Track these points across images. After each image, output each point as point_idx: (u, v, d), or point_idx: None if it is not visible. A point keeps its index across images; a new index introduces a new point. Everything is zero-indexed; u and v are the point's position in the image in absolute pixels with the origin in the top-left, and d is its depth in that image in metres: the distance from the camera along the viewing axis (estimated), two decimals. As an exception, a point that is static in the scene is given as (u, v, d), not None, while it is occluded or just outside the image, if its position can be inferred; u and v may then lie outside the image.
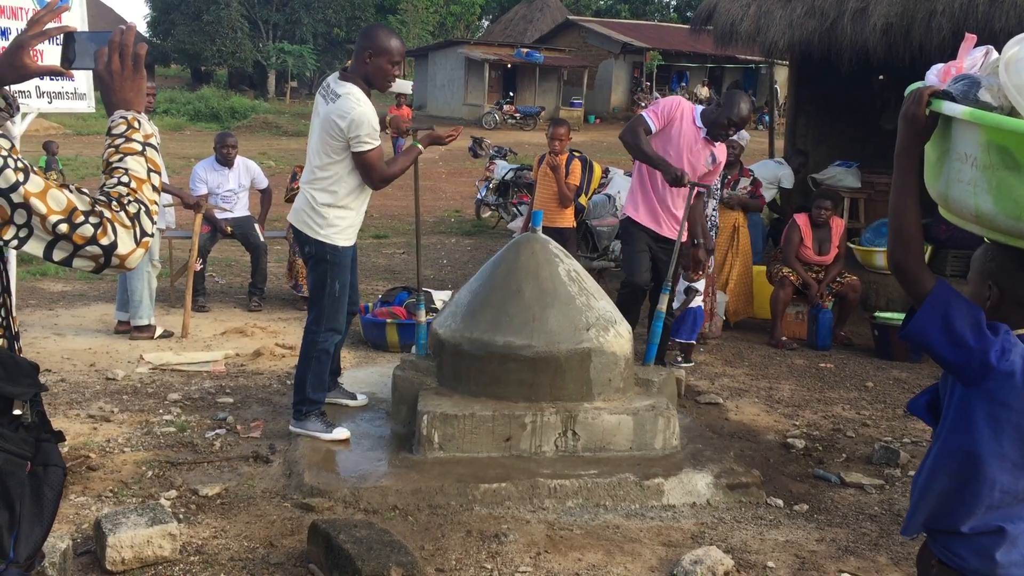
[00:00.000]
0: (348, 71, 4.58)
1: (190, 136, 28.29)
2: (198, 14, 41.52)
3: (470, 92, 35.78)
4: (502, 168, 13.18)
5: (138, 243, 1.85)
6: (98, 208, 1.80)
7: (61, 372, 5.71)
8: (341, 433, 4.60)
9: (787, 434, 5.28)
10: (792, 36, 8.41)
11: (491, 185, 13.26)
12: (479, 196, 13.65)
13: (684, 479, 4.27)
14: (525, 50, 35.31)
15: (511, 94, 35.50)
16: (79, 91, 4.60)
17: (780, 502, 4.28)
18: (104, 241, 1.79)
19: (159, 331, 6.73)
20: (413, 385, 4.74)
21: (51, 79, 4.30)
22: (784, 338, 7.34)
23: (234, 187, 7.97)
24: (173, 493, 3.98)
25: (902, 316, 7.02)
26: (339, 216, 4.54)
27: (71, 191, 1.80)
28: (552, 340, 4.52)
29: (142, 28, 46.54)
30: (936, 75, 1.94)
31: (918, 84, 1.92)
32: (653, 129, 5.54)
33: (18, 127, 4.21)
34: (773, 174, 9.16)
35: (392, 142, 13.25)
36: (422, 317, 4.99)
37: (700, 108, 5.63)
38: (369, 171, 4.47)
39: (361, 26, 47.47)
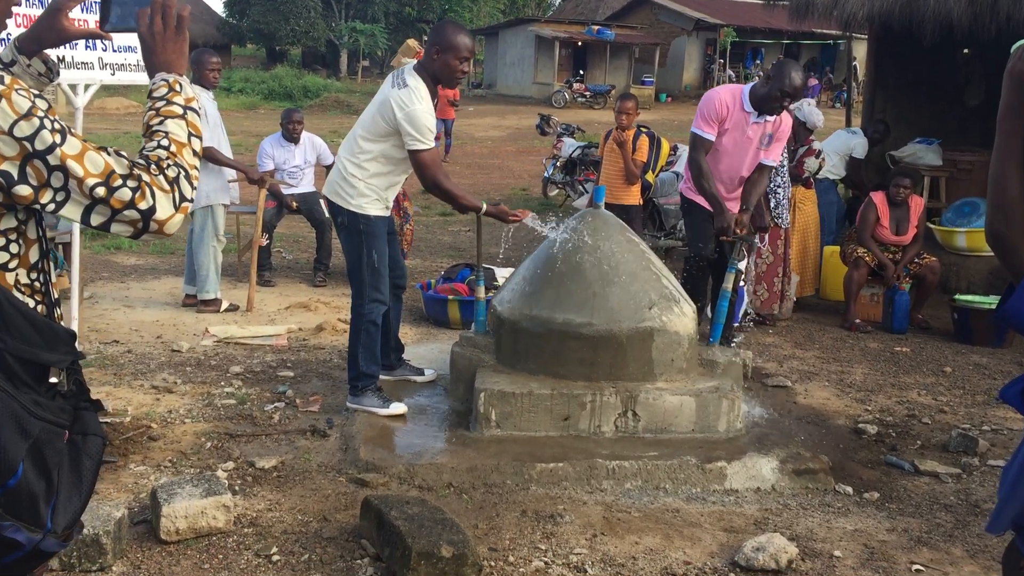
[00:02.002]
0: (422, 64, 4.53)
1: (264, 115, 28.66)
2: (273, -6, 41.96)
3: (540, 70, 35.54)
4: (569, 146, 13.02)
5: (177, 208, 1.80)
6: (136, 171, 1.76)
7: (128, 343, 5.79)
8: (398, 408, 4.58)
9: (858, 419, 5.09)
10: (872, 7, 8.08)
11: (558, 163, 13.11)
12: (546, 174, 13.52)
13: (748, 463, 4.13)
14: (596, 27, 34.92)
15: (581, 72, 35.16)
16: (144, 63, 4.60)
17: (849, 489, 4.12)
18: (142, 205, 1.75)
19: (225, 305, 6.79)
20: (471, 362, 4.68)
21: (114, 50, 4.31)
22: (858, 321, 7.10)
23: (300, 163, 7.99)
24: (230, 465, 3.99)
25: (984, 299, 6.73)
26: (369, 187, 4.52)
27: (109, 154, 1.76)
28: (613, 318, 4.41)
29: (219, 9, 47.26)
30: None
31: None
32: (712, 139, 5.38)
33: (80, 99, 4.23)
34: (845, 144, 8.73)
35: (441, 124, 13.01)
36: (481, 294, 4.92)
37: (747, 87, 5.39)
38: (422, 171, 4.43)
39: (433, 5, 47.70)
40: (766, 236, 6.83)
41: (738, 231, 5.24)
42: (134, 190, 1.73)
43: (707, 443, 4.30)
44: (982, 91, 9.67)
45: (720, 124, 5.33)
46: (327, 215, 7.93)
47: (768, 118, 5.28)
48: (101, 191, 1.71)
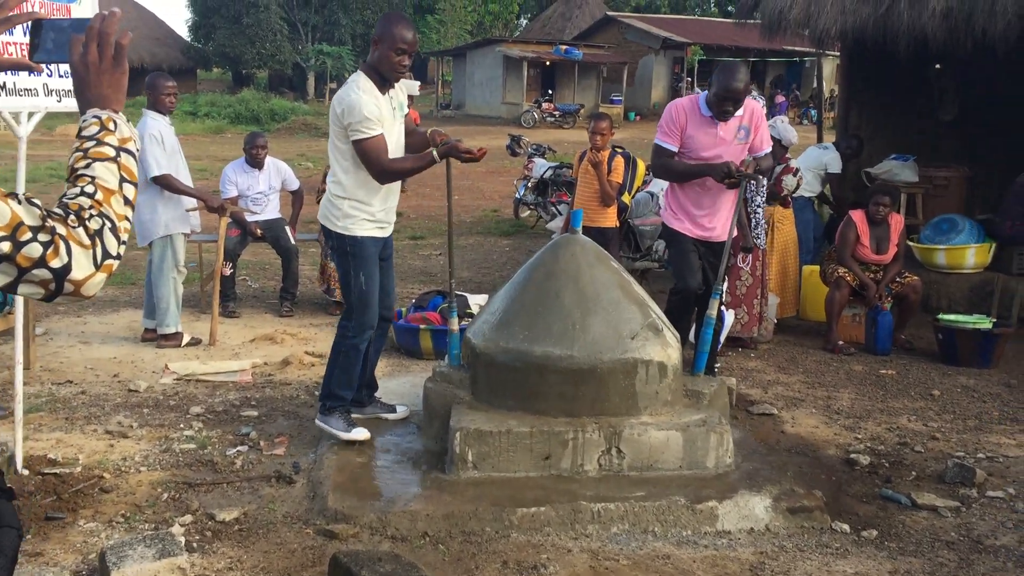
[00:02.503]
0: (367, 60, 4.40)
1: (231, 139, 28.32)
2: (238, 17, 41.66)
3: (508, 91, 35.47)
4: (541, 166, 12.86)
5: (99, 266, 1.55)
6: (50, 223, 1.50)
7: (83, 384, 5.49)
8: (360, 434, 4.41)
9: (849, 448, 4.90)
10: (845, 23, 7.97)
11: (529, 184, 12.95)
12: (517, 195, 13.34)
13: (740, 502, 3.91)
14: (564, 47, 34.92)
15: (550, 92, 35.13)
16: (75, 97, 4.33)
17: (846, 527, 3.91)
18: (55, 264, 1.50)
19: (186, 339, 6.50)
20: (445, 398, 4.43)
21: (60, 76, 4.04)
22: (841, 342, 6.93)
23: (264, 189, 7.73)
24: (188, 518, 3.71)
25: (967, 318, 6.57)
26: (353, 207, 4.37)
27: (20, 202, 1.51)
28: (594, 350, 4.19)
29: (184, 33, 46.86)
30: None
31: None
32: (675, 149, 5.23)
33: (23, 127, 3.96)
34: (817, 160, 8.62)
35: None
36: (454, 325, 4.68)
37: (703, 94, 5.24)
38: (367, 160, 4.26)
39: (399, 26, 47.50)
40: (748, 257, 6.66)
41: (742, 169, 5.01)
42: (46, 245, 1.49)
43: (696, 480, 4.08)
44: (955, 106, 9.61)
45: (681, 132, 5.17)
46: (292, 242, 7.71)
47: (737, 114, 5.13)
48: (5, 247, 1.46)
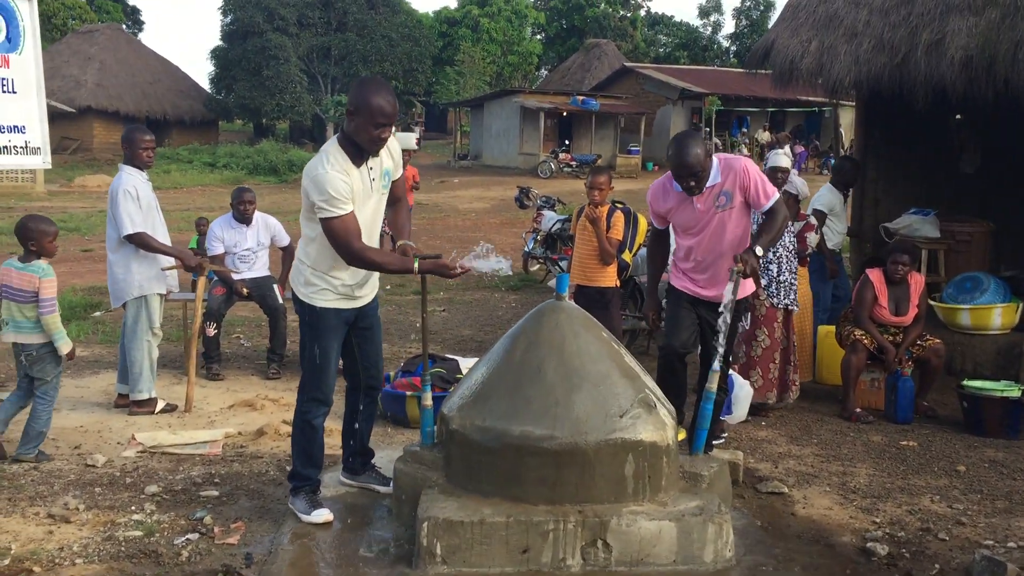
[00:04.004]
0: (342, 128, 4.10)
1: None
2: (258, 70, 41.95)
3: (526, 141, 35.36)
4: (549, 219, 12.54)
5: None
6: None
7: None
8: (320, 516, 4.11)
9: (866, 535, 4.43)
10: (859, 73, 7.64)
11: (538, 237, 12.62)
12: (526, 248, 13.01)
13: (740, 605, 3.48)
14: (581, 98, 34.85)
15: (567, 142, 35.00)
16: (32, 144, 4.08)
17: (861, 635, 3.46)
18: None
19: (161, 405, 6.15)
20: (416, 481, 4.04)
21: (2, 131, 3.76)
22: (858, 410, 6.48)
23: (252, 245, 7.43)
24: (117, 623, 3.32)
25: (994, 384, 6.08)
26: (315, 275, 4.12)
27: None
28: (579, 429, 3.79)
29: (205, 85, 47.29)
30: None
31: None
32: (660, 229, 5.14)
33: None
34: (828, 202, 8.15)
35: None
36: (428, 400, 4.30)
37: None
38: (335, 241, 3.97)
39: (419, 78, 47.83)
40: (748, 316, 6.26)
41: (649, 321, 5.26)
42: None
43: (691, 578, 3.65)
44: (977, 158, 9.21)
45: (666, 213, 4.96)
46: (280, 301, 7.38)
47: (708, 185, 4.73)
48: None
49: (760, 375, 6.34)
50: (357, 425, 4.50)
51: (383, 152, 4.14)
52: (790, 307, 6.37)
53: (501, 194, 26.14)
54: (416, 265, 4.04)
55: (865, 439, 6.05)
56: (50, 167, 4.74)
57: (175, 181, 29.91)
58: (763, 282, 6.25)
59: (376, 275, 4.29)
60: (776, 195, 4.78)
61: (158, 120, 41.37)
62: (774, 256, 6.31)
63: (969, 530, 4.55)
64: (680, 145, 4.62)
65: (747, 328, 6.33)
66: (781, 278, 6.34)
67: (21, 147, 3.94)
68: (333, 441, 5.00)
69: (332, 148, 4.02)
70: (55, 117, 35.17)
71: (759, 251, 4.48)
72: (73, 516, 4.22)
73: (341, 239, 3.93)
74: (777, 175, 6.60)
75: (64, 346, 5.08)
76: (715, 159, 4.77)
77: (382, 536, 4.03)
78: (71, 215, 19.92)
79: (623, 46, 51.38)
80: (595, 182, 6.45)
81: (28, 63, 3.78)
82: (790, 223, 6.46)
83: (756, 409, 6.38)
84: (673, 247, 5.28)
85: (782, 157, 6.83)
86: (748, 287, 4.77)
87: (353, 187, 3.98)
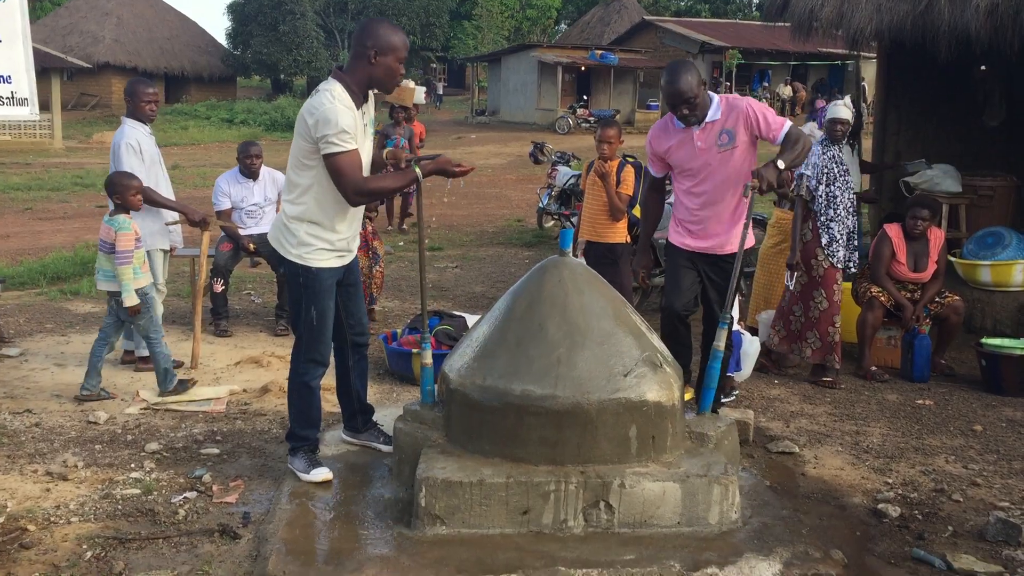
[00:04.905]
0: (343, 70, 3.95)
1: (267, 145, 28.09)
2: (274, 25, 41.61)
3: (543, 96, 34.98)
4: (564, 175, 12.36)
5: None
6: None
7: (42, 413, 5.10)
8: (319, 475, 4.05)
9: (878, 496, 4.34)
10: (880, 22, 7.38)
11: (552, 193, 12.46)
12: (541, 204, 12.85)
13: (744, 568, 3.39)
14: (599, 52, 34.37)
15: (585, 97, 34.60)
16: (19, 95, 3.97)
17: (868, 599, 3.38)
18: None
19: (167, 361, 6.10)
20: (416, 441, 3.96)
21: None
22: (874, 368, 6.35)
23: (259, 200, 7.33)
24: (108, 584, 3.28)
25: (1014, 342, 5.89)
26: (311, 233, 3.97)
27: None
28: (581, 388, 3.69)
29: (222, 40, 46.98)
30: None
31: None
32: (657, 175, 4.93)
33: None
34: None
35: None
36: (428, 358, 4.21)
37: None
38: (339, 178, 3.85)
39: (436, 33, 47.25)
40: (794, 275, 6.11)
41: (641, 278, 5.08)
42: None
43: (695, 541, 3.57)
44: (1002, 111, 8.95)
45: (663, 154, 4.76)
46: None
47: (708, 120, 4.57)
48: None
49: (818, 337, 6.16)
50: (352, 383, 4.42)
51: (370, 102, 4.08)
52: (851, 268, 6.18)
53: (518, 150, 25.88)
54: (419, 173, 3.95)
55: (880, 398, 5.93)
56: (37, 119, 4.64)
57: (193, 137, 29.81)
58: (823, 241, 6.08)
59: (358, 233, 4.22)
60: (788, 122, 4.55)
61: (176, 76, 41.22)
62: (835, 214, 6.11)
63: (984, 491, 4.44)
64: (671, 72, 4.49)
65: (791, 290, 6.18)
66: (839, 236, 6.14)
67: (7, 98, 3.83)
68: (334, 398, 4.93)
69: (335, 87, 3.88)
70: (73, 73, 35.25)
71: (781, 164, 4.25)
72: (71, 473, 4.19)
73: (349, 175, 3.82)
74: (836, 127, 6.31)
75: (127, 299, 5.29)
76: (715, 96, 4.60)
77: (382, 495, 3.96)
78: (88, 171, 19.85)
79: (643, -1, 50.59)
80: (604, 135, 6.29)
81: (13, 9, 3.66)
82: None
83: (817, 371, 6.25)
84: (671, 199, 5.15)
85: (842, 108, 6.43)
86: (749, 240, 4.53)
87: (356, 126, 3.88)
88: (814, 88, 35.71)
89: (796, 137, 4.45)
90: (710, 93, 4.60)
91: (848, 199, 6.21)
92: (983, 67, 8.90)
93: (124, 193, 5.36)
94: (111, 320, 5.53)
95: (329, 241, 3.99)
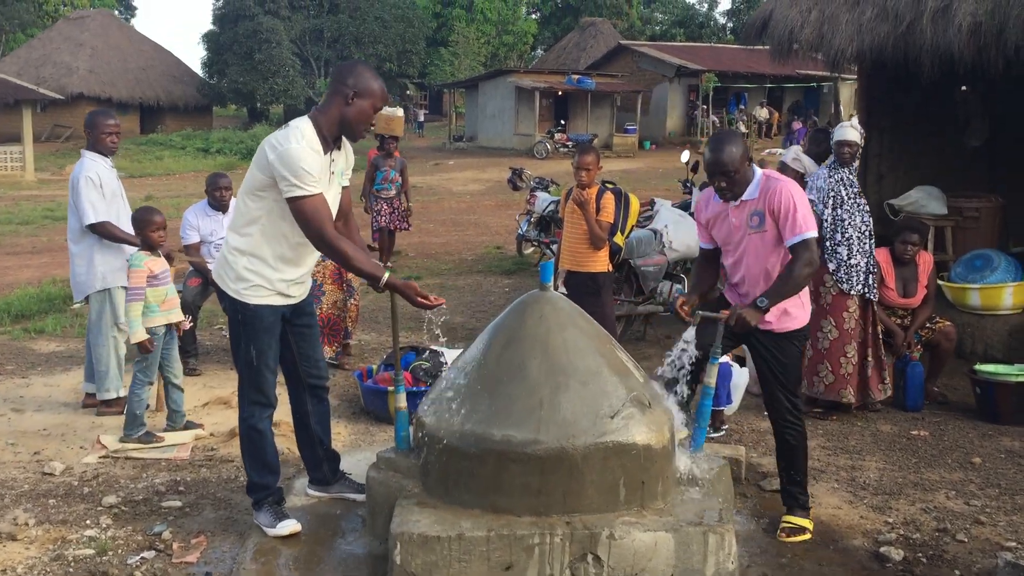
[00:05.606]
0: (319, 110, 3.76)
1: (241, 174, 27.92)
2: (250, 53, 41.43)
3: (521, 122, 34.91)
4: (543, 201, 12.20)
5: None
6: None
7: (-6, 464, 4.82)
8: (286, 527, 3.79)
9: (879, 537, 4.13)
10: (862, 42, 7.28)
11: (532, 219, 12.28)
12: (520, 231, 12.67)
13: (743, 626, 3.16)
14: (576, 76, 34.38)
15: (563, 122, 34.56)
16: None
17: (877, 656, 3.16)
18: None
19: (130, 404, 5.82)
20: (390, 491, 3.71)
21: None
22: (865, 397, 6.15)
23: (228, 234, 7.08)
24: (57, 657, 3.01)
25: (1009, 368, 5.71)
26: (250, 268, 3.74)
27: None
28: (566, 432, 3.46)
29: (198, 70, 46.80)
30: None
31: None
32: (707, 247, 4.45)
33: None
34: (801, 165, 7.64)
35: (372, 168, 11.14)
36: (402, 402, 3.98)
37: None
38: (304, 223, 3.63)
39: (413, 60, 47.21)
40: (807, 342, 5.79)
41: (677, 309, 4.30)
42: None
43: (690, 595, 3.34)
44: (985, 131, 8.85)
45: (707, 223, 4.38)
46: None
47: (745, 198, 4.28)
48: None
49: (829, 369, 5.89)
50: (311, 429, 4.14)
51: (343, 150, 3.88)
52: (867, 295, 5.88)
53: (496, 176, 25.74)
54: (387, 276, 3.70)
55: (874, 429, 5.74)
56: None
57: (168, 167, 29.53)
58: (831, 267, 5.86)
59: (309, 275, 3.98)
60: (808, 233, 4.01)
61: (151, 106, 40.94)
62: (843, 238, 5.87)
63: (989, 530, 4.24)
64: (715, 141, 4.12)
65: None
66: (852, 261, 5.84)
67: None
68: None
69: (304, 125, 3.68)
70: (46, 105, 34.87)
71: (763, 304, 3.96)
72: (21, 532, 3.91)
73: (314, 222, 3.59)
74: (844, 149, 5.96)
75: (133, 335, 5.15)
76: (758, 172, 4.17)
77: (353, 552, 3.71)
78: (60, 203, 19.47)
79: (619, 24, 50.81)
80: (582, 162, 6.08)
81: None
82: None
83: (831, 408, 5.98)
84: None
85: (849, 130, 6.04)
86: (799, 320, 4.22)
87: (320, 173, 3.67)
88: (790, 110, 35.86)
89: (797, 258, 4.03)
90: (754, 167, 4.24)
91: (862, 221, 5.92)
92: (964, 87, 8.82)
93: (144, 229, 5.26)
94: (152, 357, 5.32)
95: (268, 279, 3.75)
